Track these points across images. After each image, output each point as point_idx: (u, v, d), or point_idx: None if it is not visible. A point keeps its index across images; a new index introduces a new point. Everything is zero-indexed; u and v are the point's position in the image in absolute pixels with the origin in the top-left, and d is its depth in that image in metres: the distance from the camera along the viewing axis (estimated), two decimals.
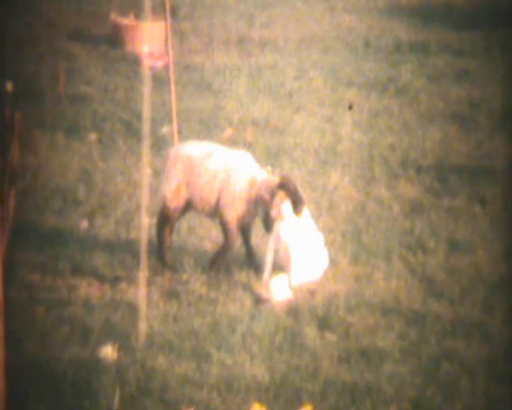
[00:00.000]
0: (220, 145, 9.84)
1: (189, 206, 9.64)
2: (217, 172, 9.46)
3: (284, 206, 9.34)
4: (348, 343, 8.35)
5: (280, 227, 9.36)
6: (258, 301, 9.04)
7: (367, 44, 16.00)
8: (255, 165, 9.56)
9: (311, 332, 8.47)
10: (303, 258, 9.31)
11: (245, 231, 9.57)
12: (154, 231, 9.89)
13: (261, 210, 9.41)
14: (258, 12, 17.53)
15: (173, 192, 9.53)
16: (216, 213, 9.52)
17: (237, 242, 9.57)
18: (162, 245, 9.58)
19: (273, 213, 9.39)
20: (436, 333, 8.50)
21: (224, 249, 9.47)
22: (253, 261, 9.52)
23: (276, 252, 9.37)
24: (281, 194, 9.36)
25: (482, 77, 14.49)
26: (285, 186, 9.36)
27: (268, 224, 9.40)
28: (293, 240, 9.32)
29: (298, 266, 9.30)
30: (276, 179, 9.42)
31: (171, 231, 9.64)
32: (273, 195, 9.34)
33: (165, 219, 9.58)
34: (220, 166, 9.47)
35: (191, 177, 9.52)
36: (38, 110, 13.06)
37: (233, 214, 9.43)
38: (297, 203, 9.33)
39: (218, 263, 9.45)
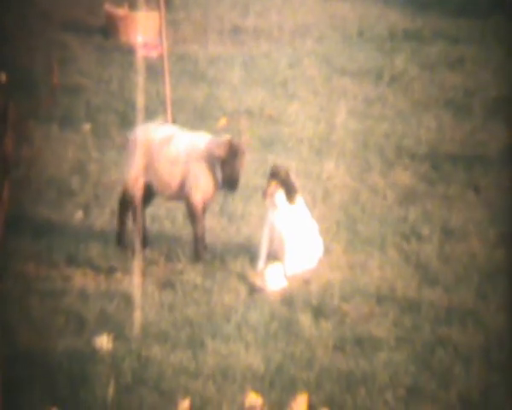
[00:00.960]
0: (181, 128, 9.78)
1: (151, 191, 9.59)
2: (178, 156, 9.40)
3: (277, 195, 9.34)
4: (343, 331, 8.36)
5: (274, 216, 9.37)
6: (253, 290, 9.04)
7: (361, 33, 15.98)
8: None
9: (305, 321, 8.48)
10: (297, 247, 9.32)
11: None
12: (149, 221, 9.90)
13: (219, 172, 9.32)
14: (253, 1, 17.50)
15: (133, 177, 9.50)
16: (181, 196, 9.48)
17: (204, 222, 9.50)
18: (122, 230, 9.57)
19: (266, 202, 9.39)
20: (431, 320, 8.51)
21: (197, 234, 9.45)
22: (196, 249, 9.47)
23: (271, 241, 9.38)
24: (273, 183, 9.36)
25: (477, 65, 14.48)
26: (277, 175, 9.36)
27: (228, 182, 9.27)
28: (288, 229, 9.33)
29: (292, 255, 9.30)
30: (225, 137, 9.38)
31: (141, 218, 9.57)
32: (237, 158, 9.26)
33: (125, 204, 9.56)
34: (182, 150, 9.42)
35: (151, 161, 9.46)
36: (32, 101, 13.03)
37: (199, 196, 9.40)
38: (290, 192, 9.33)
39: (200, 250, 9.42)
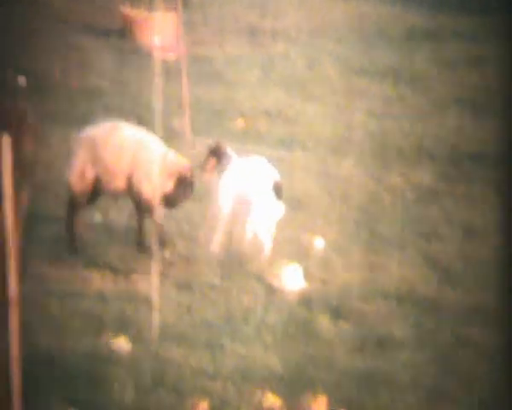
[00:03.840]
0: (128, 122, 9.72)
1: (98, 189, 9.47)
2: (124, 146, 9.29)
3: (216, 168, 9.49)
4: (362, 332, 8.30)
5: (220, 189, 9.45)
6: (272, 291, 9.00)
7: (379, 32, 15.91)
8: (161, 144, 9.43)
9: (324, 322, 8.43)
10: (261, 207, 9.31)
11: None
12: (166, 223, 9.87)
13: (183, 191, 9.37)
14: (270, 2, 17.46)
15: (77, 175, 9.40)
16: (130, 191, 9.38)
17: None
18: (73, 234, 9.47)
19: (205, 176, 9.50)
20: (451, 321, 8.44)
21: (142, 227, 9.37)
22: (160, 241, 9.45)
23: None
24: (211, 159, 9.50)
25: (496, 63, 14.38)
26: (214, 151, 9.47)
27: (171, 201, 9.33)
28: (252, 192, 9.38)
29: (257, 215, 9.30)
30: (184, 161, 9.40)
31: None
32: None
33: (72, 206, 9.44)
34: (128, 140, 9.30)
35: (96, 155, 9.33)
36: (50, 104, 13.05)
37: (149, 188, 9.32)
38: (223, 162, 9.43)
39: (144, 245, 9.38)
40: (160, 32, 15.54)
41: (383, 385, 7.63)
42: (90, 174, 9.35)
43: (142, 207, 9.37)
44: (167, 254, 9.42)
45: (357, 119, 12.66)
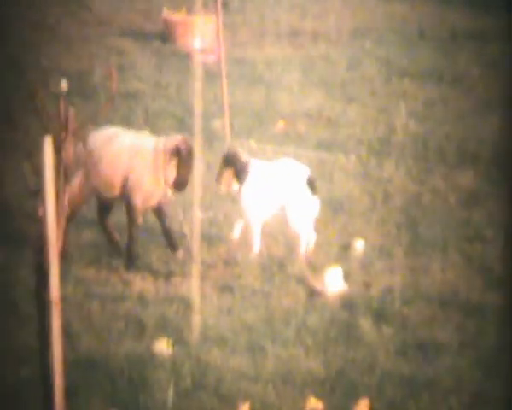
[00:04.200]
0: (127, 129, 9.65)
1: (105, 201, 9.48)
2: (121, 153, 9.24)
3: (231, 179, 9.33)
4: (405, 336, 8.21)
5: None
6: (313, 293, 8.94)
7: (421, 33, 15.79)
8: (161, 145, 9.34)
9: (366, 325, 8.35)
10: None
11: (158, 212, 9.43)
12: (207, 226, 9.85)
13: (168, 173, 9.22)
14: (310, 3, 17.41)
15: (75, 186, 9.29)
16: (122, 196, 9.36)
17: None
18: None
19: (220, 187, 9.40)
20: (495, 324, 8.32)
21: (131, 234, 9.35)
22: (170, 243, 9.41)
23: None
24: (226, 169, 9.33)
25: None
26: (229, 161, 9.30)
27: (180, 181, 9.24)
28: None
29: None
30: (177, 137, 9.31)
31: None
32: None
33: (70, 216, 9.11)
34: (125, 147, 9.25)
35: (92, 163, 9.28)
36: (91, 107, 13.11)
37: (139, 198, 9.29)
38: (241, 173, 9.25)
39: (134, 254, 9.35)
40: (200, 35, 15.56)
41: (426, 389, 7.54)
42: (89, 185, 9.37)
43: (128, 213, 9.36)
44: (180, 254, 9.38)
45: (398, 120, 12.56)
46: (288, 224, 9.42)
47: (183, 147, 9.21)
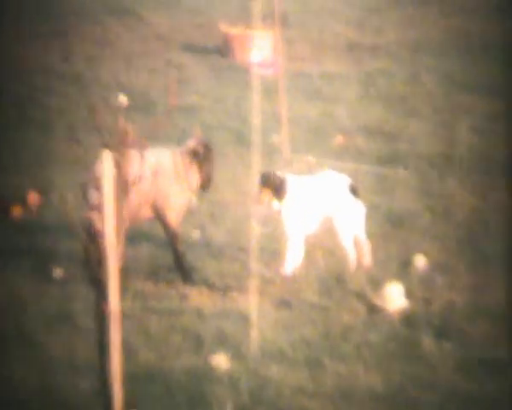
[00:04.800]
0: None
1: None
2: (141, 179, 8.99)
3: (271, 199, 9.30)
4: (466, 353, 8.06)
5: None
6: (373, 309, 8.83)
7: (484, 47, 15.59)
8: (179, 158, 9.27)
9: (427, 341, 8.22)
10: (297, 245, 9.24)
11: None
12: (264, 240, 9.81)
13: (191, 177, 9.22)
14: (369, 17, 17.32)
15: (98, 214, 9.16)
16: (155, 216, 9.30)
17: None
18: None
19: (260, 207, 9.36)
20: None
21: (178, 253, 9.31)
22: (181, 270, 9.32)
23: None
24: (265, 189, 9.30)
25: None
26: (267, 182, 9.27)
27: (205, 180, 9.26)
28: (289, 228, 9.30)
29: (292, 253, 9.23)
30: (190, 141, 9.24)
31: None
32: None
33: (91, 238, 8.92)
34: (146, 170, 9.07)
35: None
36: (150, 121, 13.18)
37: (173, 214, 9.24)
38: (279, 193, 9.23)
39: (186, 269, 9.28)
40: (258, 49, 15.58)
41: (487, 407, 7.39)
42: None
43: (167, 232, 9.31)
44: (188, 285, 9.29)
45: (459, 135, 12.40)
46: (337, 234, 9.35)
47: (198, 147, 9.23)
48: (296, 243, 9.40)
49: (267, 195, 9.45)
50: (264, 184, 9.46)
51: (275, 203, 9.44)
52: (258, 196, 9.50)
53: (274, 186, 9.41)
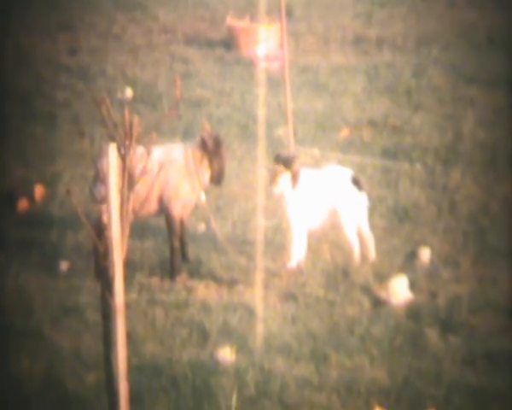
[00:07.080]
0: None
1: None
2: (153, 169, 8.85)
3: (283, 181, 9.17)
4: (472, 346, 8.06)
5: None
6: (378, 302, 8.84)
7: (490, 39, 15.55)
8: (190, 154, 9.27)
9: (432, 334, 8.22)
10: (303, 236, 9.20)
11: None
12: (270, 233, 9.81)
13: (203, 173, 9.19)
14: (375, 9, 17.29)
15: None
16: (160, 210, 9.31)
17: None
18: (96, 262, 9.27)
19: (275, 190, 9.22)
20: None
21: (173, 247, 9.32)
22: (183, 258, 9.31)
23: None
24: (281, 170, 9.14)
25: None
26: (283, 162, 9.16)
27: (217, 174, 9.20)
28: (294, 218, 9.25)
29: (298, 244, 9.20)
30: (199, 134, 9.20)
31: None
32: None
33: (100, 232, 8.93)
34: (156, 162, 9.05)
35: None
36: (156, 114, 13.19)
37: (178, 207, 9.24)
38: (295, 176, 9.14)
39: (176, 263, 9.29)
40: (263, 43, 15.56)
41: (493, 400, 7.39)
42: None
43: (169, 225, 9.32)
44: (179, 280, 9.29)
45: (465, 128, 12.38)
46: (342, 227, 9.35)
47: (207, 138, 9.21)
48: (300, 235, 9.39)
49: (285, 178, 9.34)
50: (286, 166, 9.28)
51: (288, 187, 9.31)
52: (274, 178, 9.40)
53: (292, 172, 9.25)
